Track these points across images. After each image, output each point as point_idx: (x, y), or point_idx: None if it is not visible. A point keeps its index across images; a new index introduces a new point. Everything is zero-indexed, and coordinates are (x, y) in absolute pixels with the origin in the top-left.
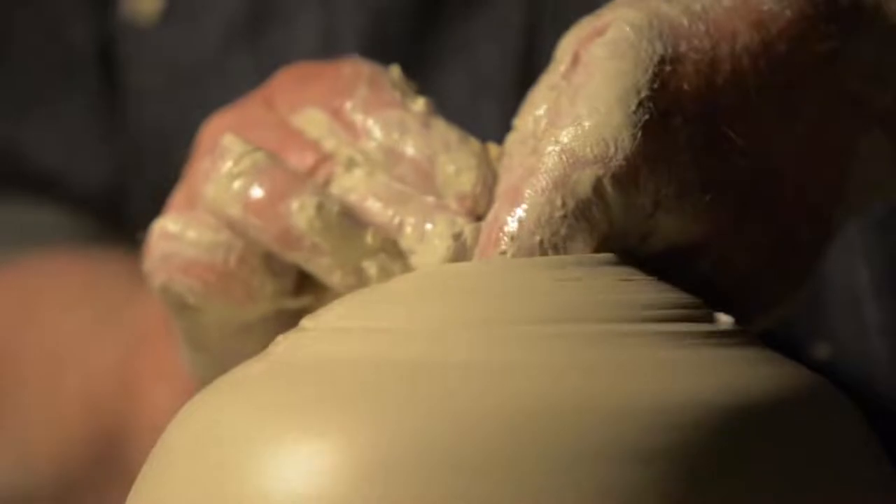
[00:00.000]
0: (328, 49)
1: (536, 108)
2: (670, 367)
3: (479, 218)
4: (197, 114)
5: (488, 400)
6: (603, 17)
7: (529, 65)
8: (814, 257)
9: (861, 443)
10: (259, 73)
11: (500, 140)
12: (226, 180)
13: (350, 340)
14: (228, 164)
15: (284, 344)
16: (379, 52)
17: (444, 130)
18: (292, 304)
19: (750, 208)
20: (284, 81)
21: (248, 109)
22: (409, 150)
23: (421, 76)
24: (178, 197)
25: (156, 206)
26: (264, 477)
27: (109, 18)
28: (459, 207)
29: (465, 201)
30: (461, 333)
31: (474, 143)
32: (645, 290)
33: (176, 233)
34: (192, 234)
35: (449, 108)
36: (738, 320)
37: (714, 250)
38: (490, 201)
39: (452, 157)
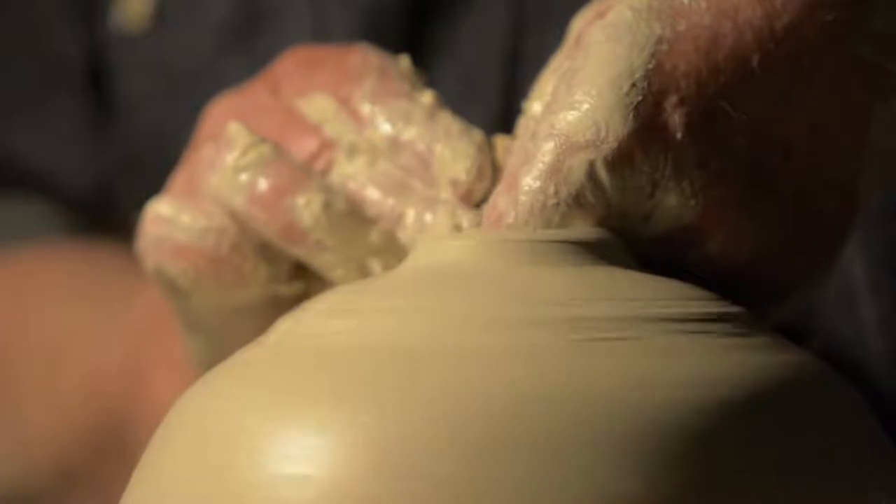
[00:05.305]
0: None
1: (541, 91)
2: (672, 353)
3: (477, 207)
4: (192, 118)
5: (490, 385)
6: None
7: (515, 66)
8: (840, 233)
9: (865, 431)
10: (252, 75)
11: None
12: (231, 172)
13: (349, 326)
14: (234, 156)
15: (283, 328)
16: None
17: (448, 121)
18: (286, 290)
19: (754, 184)
20: (291, 65)
21: (252, 94)
22: (412, 139)
23: None
24: (177, 181)
25: None
26: (266, 462)
27: (98, 27)
28: (453, 194)
29: (459, 188)
30: (461, 319)
31: (476, 134)
32: (646, 279)
33: (169, 217)
34: (184, 218)
35: None
36: (756, 303)
37: (721, 230)
38: (489, 190)
39: (451, 144)
